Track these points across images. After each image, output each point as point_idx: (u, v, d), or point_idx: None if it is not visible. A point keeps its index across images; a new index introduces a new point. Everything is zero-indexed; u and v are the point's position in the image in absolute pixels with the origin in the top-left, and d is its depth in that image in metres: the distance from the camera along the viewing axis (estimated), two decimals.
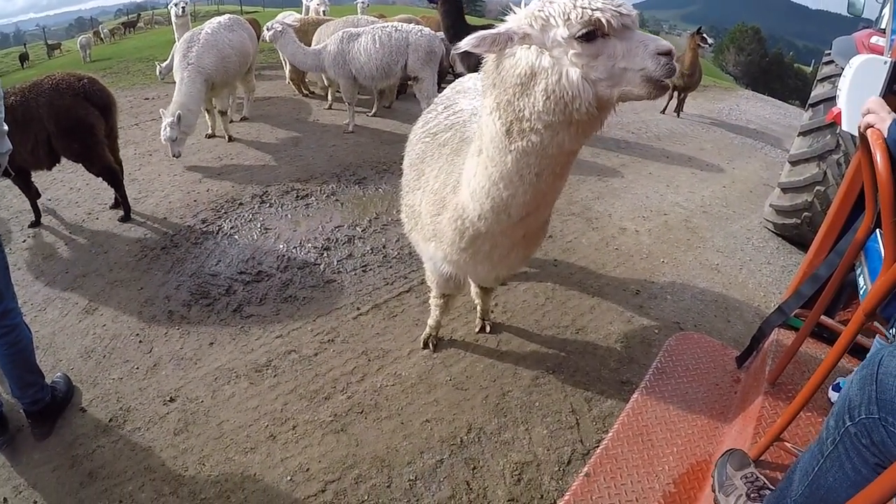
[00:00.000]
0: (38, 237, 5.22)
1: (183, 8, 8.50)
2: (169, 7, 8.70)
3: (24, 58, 29.41)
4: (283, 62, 9.51)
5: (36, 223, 5.37)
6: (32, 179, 5.60)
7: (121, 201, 5.48)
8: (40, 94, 4.70)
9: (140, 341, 3.93)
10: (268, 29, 7.47)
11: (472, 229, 2.50)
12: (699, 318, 4.36)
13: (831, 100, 5.35)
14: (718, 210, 6.50)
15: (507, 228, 2.43)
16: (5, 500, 2.88)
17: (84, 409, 3.40)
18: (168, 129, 6.01)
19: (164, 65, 9.61)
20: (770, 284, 4.99)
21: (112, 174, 5.26)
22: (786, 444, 2.21)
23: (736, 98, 14.93)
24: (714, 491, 2.16)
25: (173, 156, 6.20)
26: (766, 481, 2.05)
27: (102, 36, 32.85)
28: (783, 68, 58.44)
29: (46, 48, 33.11)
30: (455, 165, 2.57)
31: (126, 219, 5.45)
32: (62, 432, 3.25)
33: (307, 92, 10.07)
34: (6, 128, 2.75)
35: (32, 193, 5.35)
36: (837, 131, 5.12)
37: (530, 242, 2.74)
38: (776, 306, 2.86)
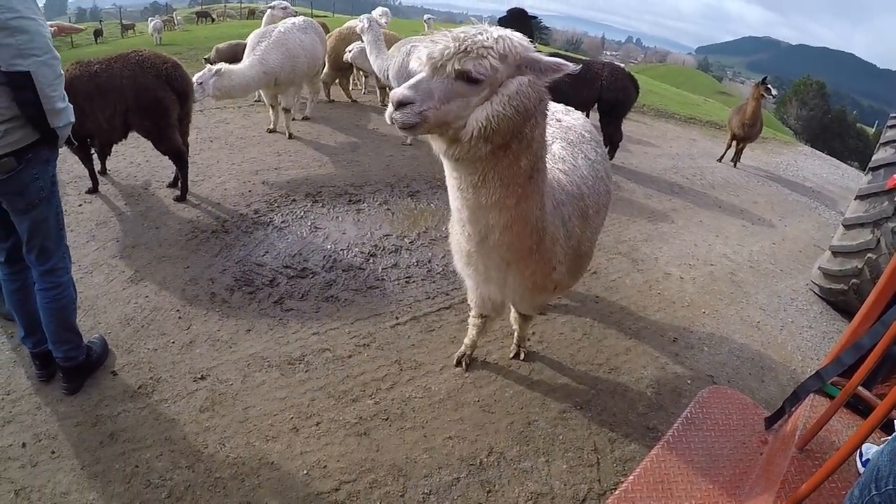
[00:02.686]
0: (94, 204, 5.39)
1: (283, 8, 8.71)
2: (270, 4, 8.89)
3: (98, 33, 30.58)
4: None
5: (93, 190, 5.55)
6: (107, 159, 5.89)
7: (181, 182, 5.64)
8: (125, 67, 4.88)
9: (179, 317, 4.02)
10: (360, 21, 7.68)
11: (462, 246, 2.63)
12: (733, 374, 4.27)
13: (893, 165, 5.25)
14: (765, 266, 6.38)
15: (480, 249, 2.51)
16: (24, 444, 2.97)
17: (115, 373, 3.49)
18: (206, 70, 6.09)
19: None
20: (809, 349, 4.86)
21: (179, 155, 5.44)
22: None
23: (794, 153, 14.69)
24: None
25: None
26: None
27: (176, 22, 33.91)
28: (845, 127, 57.03)
29: (121, 27, 34.24)
30: None
31: (182, 199, 5.61)
32: (90, 391, 3.34)
33: (329, 99, 10.10)
34: (68, 101, 2.85)
35: (91, 163, 5.53)
36: None
37: (525, 272, 2.71)
38: (814, 371, 2.81)
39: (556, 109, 3.32)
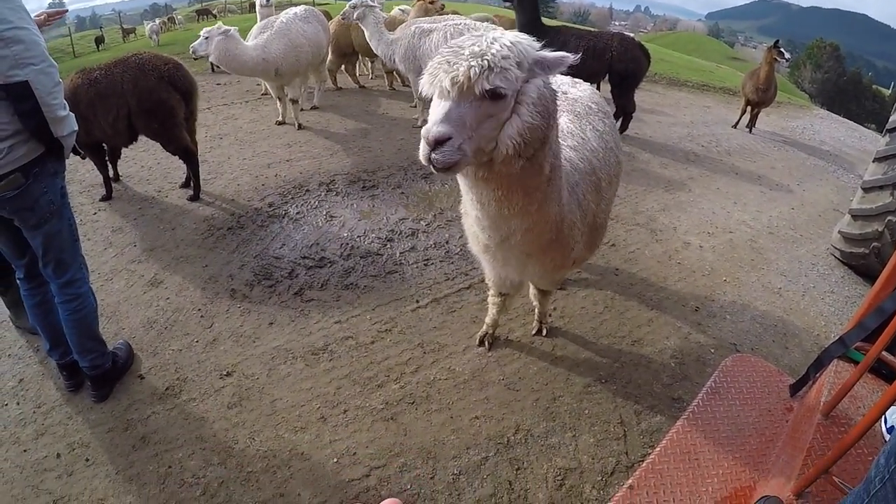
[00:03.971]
0: (108, 211, 5.42)
1: None
2: None
3: (99, 40, 30.79)
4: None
5: (107, 197, 5.59)
6: (118, 164, 5.92)
7: (192, 181, 5.66)
8: (126, 72, 4.87)
9: (201, 316, 4.06)
10: (354, 7, 7.26)
11: (479, 238, 2.57)
12: (756, 342, 4.23)
13: None
14: (785, 232, 6.29)
15: (500, 245, 2.46)
16: (59, 455, 3.02)
17: (142, 377, 3.54)
18: (216, 27, 6.12)
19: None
20: (832, 314, 4.79)
21: (188, 154, 5.46)
22: (834, 478, 2.14)
23: (810, 117, 14.43)
24: None
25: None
26: None
27: (177, 22, 33.96)
28: (861, 89, 56.07)
29: (122, 32, 34.38)
30: None
31: (195, 198, 5.63)
32: (119, 397, 3.39)
33: (336, 86, 10.01)
34: (69, 110, 2.85)
35: (106, 169, 5.58)
36: None
37: (545, 259, 2.68)
38: (837, 337, 2.77)
39: (562, 82, 3.26)
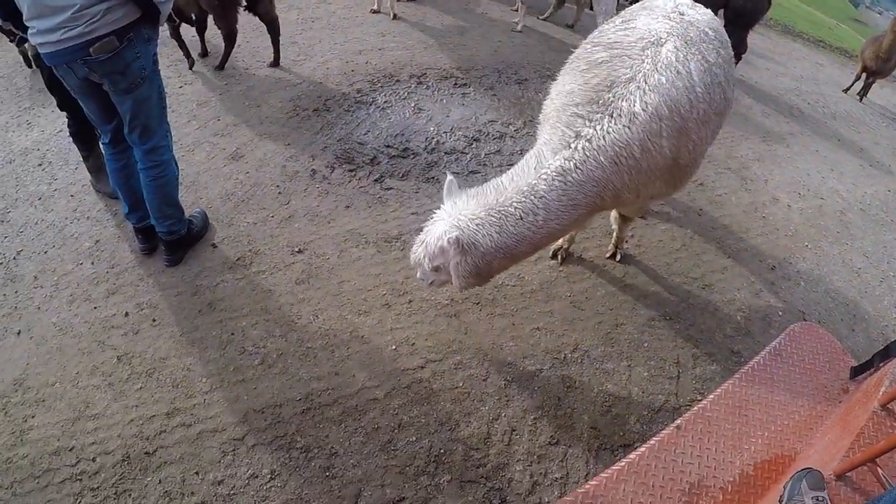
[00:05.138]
0: (194, 85, 5.48)
1: None
2: None
3: None
4: None
5: (190, 66, 5.72)
6: (206, 38, 5.97)
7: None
8: None
9: (279, 193, 4.12)
10: None
11: None
12: (825, 316, 4.04)
13: None
14: (876, 213, 5.87)
15: None
16: (127, 314, 3.18)
17: (215, 245, 3.66)
18: None
19: None
20: None
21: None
22: (878, 468, 2.09)
23: None
24: (780, 502, 2.08)
25: None
26: None
27: None
28: None
29: None
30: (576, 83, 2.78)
31: (275, 65, 5.80)
32: (191, 263, 3.52)
33: None
34: None
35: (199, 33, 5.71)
36: None
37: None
38: None
39: (680, 2, 2.95)
